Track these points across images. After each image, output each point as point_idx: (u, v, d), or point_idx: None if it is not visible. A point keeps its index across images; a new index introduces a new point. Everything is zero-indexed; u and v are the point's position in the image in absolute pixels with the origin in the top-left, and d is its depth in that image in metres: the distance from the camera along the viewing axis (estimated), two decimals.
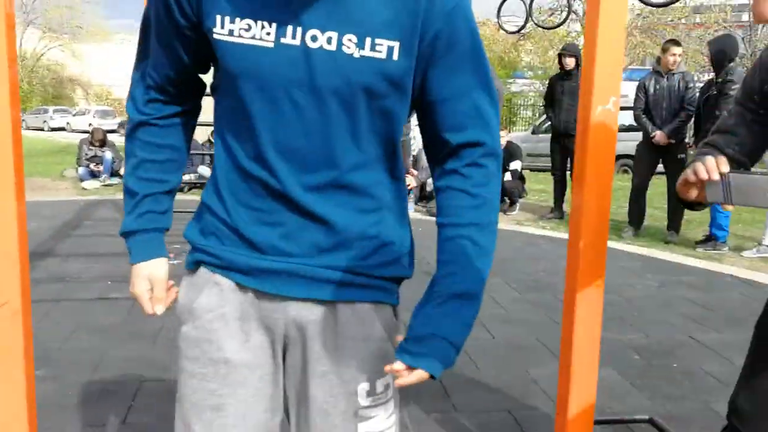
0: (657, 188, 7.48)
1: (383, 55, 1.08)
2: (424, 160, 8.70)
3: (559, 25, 5.44)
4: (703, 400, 3.03)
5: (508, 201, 8.53)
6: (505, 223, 7.75)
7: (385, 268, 1.21)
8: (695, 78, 8.70)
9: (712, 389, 3.15)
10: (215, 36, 1.10)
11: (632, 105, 6.98)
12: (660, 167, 6.95)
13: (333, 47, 1.07)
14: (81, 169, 10.53)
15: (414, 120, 8.96)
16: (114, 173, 10.64)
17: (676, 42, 6.99)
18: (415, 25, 1.08)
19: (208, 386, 1.18)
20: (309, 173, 1.13)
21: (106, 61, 39.41)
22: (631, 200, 7.11)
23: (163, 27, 1.16)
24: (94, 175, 10.62)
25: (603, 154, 2.09)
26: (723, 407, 1.67)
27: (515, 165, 8.49)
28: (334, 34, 1.07)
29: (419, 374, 1.12)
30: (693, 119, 6.72)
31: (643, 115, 6.81)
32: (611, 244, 6.11)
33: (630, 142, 7.60)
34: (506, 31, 4.84)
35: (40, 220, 6.79)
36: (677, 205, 6.78)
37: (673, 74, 6.75)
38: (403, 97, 1.14)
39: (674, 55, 6.72)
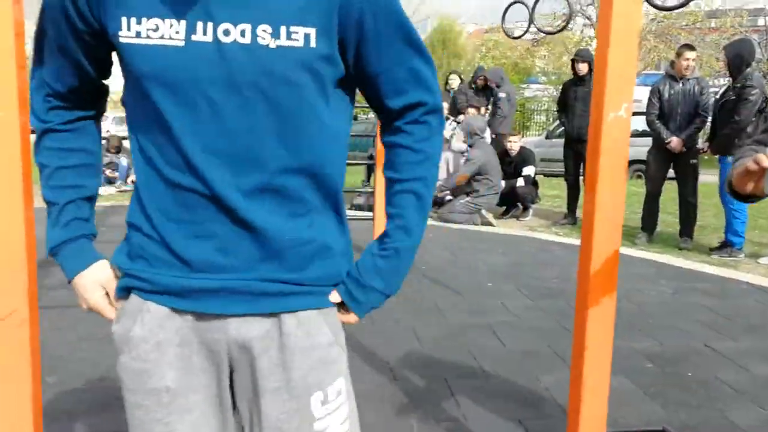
0: (669, 194, 7.40)
1: (300, 43, 1.05)
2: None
3: (560, 30, 5.42)
4: (718, 409, 2.98)
5: (521, 207, 8.48)
6: (518, 228, 7.72)
7: (324, 272, 1.17)
8: (710, 83, 8.62)
9: (728, 398, 3.10)
10: (121, 40, 1.05)
11: (645, 110, 6.92)
12: (671, 172, 6.88)
13: (247, 40, 1.03)
14: None
15: None
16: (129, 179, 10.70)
17: (690, 47, 6.92)
18: (332, 9, 1.05)
19: (154, 416, 1.15)
20: (237, 176, 1.07)
21: None
22: (645, 206, 7.05)
23: (60, 33, 1.10)
24: (109, 181, 10.68)
25: (615, 160, 2.07)
26: (739, 417, 1.63)
27: (528, 170, 8.44)
28: (247, 26, 1.03)
29: (351, 317, 1.22)
30: (711, 123, 6.65)
31: (657, 121, 6.75)
32: (624, 250, 6.08)
33: (643, 148, 7.52)
34: (510, 36, 4.82)
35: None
36: (691, 210, 6.73)
37: (688, 79, 6.68)
38: (325, 87, 1.10)
39: (688, 59, 6.65)
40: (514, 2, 4.91)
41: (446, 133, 9.05)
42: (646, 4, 2.21)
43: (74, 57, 1.13)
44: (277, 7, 1.03)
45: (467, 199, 7.99)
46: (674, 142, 6.60)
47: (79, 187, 1.22)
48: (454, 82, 10.37)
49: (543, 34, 11.71)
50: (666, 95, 6.73)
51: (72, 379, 3.14)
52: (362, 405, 3.15)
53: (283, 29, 1.03)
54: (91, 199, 1.24)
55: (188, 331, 1.14)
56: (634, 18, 2.05)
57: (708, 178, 8.45)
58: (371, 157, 7.97)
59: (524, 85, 24.00)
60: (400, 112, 1.19)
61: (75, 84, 1.17)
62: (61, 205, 1.20)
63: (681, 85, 6.69)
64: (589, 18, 20.98)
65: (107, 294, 1.21)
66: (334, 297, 1.19)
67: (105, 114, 1.33)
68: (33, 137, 1.29)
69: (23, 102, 1.93)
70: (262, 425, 1.15)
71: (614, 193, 2.09)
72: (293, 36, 1.04)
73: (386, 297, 1.22)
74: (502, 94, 9.36)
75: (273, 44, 1.03)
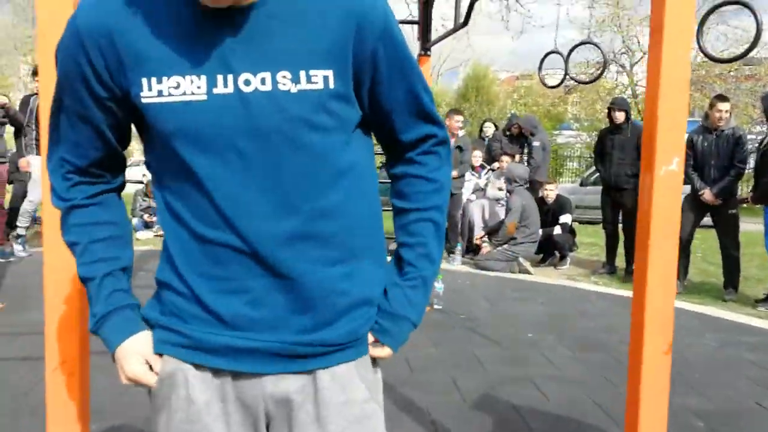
0: (711, 243, 7.28)
1: (320, 86, 1.06)
2: (472, 214, 8.66)
3: (594, 80, 5.45)
4: None
5: (558, 255, 8.40)
6: (557, 277, 7.62)
7: (357, 324, 1.17)
8: (746, 131, 8.50)
9: None
10: (144, 100, 1.06)
11: None
12: (708, 220, 6.77)
13: (268, 87, 1.05)
14: (135, 220, 10.75)
15: (468, 175, 8.97)
16: None
17: (722, 98, 6.80)
18: (347, 51, 1.08)
19: None
20: (271, 225, 1.07)
21: None
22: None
23: (81, 103, 1.10)
24: (147, 225, 10.82)
25: (668, 215, 2.04)
26: None
27: (565, 218, 8.38)
28: (267, 74, 1.05)
29: (386, 351, 1.21)
30: (753, 172, 6.54)
31: (692, 171, 6.65)
32: None
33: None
34: (547, 85, 4.85)
35: None
36: (733, 261, 6.58)
37: (723, 131, 6.58)
38: (346, 127, 1.12)
39: (720, 111, 6.56)
40: (551, 52, 4.97)
41: (481, 182, 9.05)
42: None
43: (96, 126, 1.12)
44: (295, 52, 1.05)
45: (505, 246, 7.94)
46: (707, 194, 6.51)
47: (113, 259, 1.18)
48: (489, 129, 10.42)
49: (575, 82, 11.74)
50: (699, 147, 6.65)
51: (117, 425, 3.14)
52: None
53: (302, 74, 1.06)
54: (127, 269, 1.21)
55: (227, 388, 1.14)
56: (684, 71, 2.04)
57: (751, 227, 8.30)
58: None
59: (557, 132, 23.97)
60: (413, 145, 1.23)
61: (96, 156, 1.16)
62: (98, 278, 1.17)
63: (715, 136, 6.60)
64: (622, 66, 20.99)
65: (149, 365, 1.17)
66: (370, 337, 1.20)
67: (139, 160, 1.34)
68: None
69: None
70: None
71: (668, 248, 2.06)
72: (313, 79, 1.06)
73: (415, 327, 1.24)
74: (536, 143, 9.37)
75: (294, 89, 1.06)
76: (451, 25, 4.82)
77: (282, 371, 1.12)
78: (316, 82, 1.06)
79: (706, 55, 2.39)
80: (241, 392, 1.14)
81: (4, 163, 7.46)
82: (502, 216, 8.38)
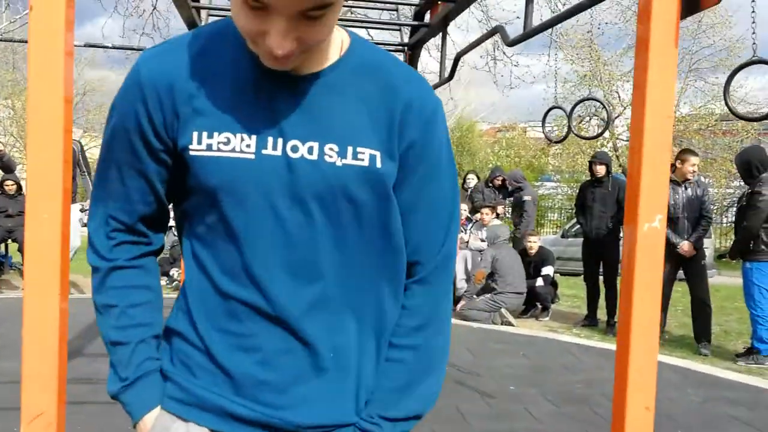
0: (688, 296, 7.32)
1: (366, 163, 1.08)
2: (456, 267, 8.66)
3: (598, 136, 5.53)
4: None
5: (540, 307, 8.40)
6: (539, 329, 7.61)
7: (362, 407, 1.15)
8: (724, 186, 8.66)
9: None
10: (191, 153, 1.06)
11: None
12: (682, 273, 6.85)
13: (314, 156, 1.06)
14: None
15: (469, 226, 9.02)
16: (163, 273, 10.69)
17: (693, 152, 7.11)
18: (393, 133, 1.09)
19: None
20: (295, 288, 1.07)
21: None
22: None
23: (134, 155, 1.10)
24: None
25: (651, 271, 2.06)
26: None
27: (547, 270, 8.42)
28: (315, 144, 1.06)
29: None
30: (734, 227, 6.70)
31: (666, 227, 6.74)
32: None
33: None
34: (551, 140, 4.90)
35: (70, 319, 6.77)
36: (704, 311, 6.62)
37: (690, 183, 6.77)
38: (390, 205, 1.12)
39: (694, 165, 6.79)
40: (553, 108, 5.04)
41: (465, 236, 9.10)
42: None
43: (149, 180, 1.12)
44: (344, 128, 1.07)
45: (488, 296, 7.93)
46: (685, 246, 6.62)
47: (148, 325, 1.17)
48: (472, 181, 10.52)
49: (581, 138, 11.92)
50: (671, 200, 6.77)
51: None
52: None
53: (349, 149, 1.07)
54: (158, 337, 1.19)
55: None
56: (667, 131, 2.08)
57: (730, 280, 8.36)
58: None
59: (538, 183, 24.24)
60: (410, 264, 1.17)
61: (145, 212, 1.16)
62: (133, 344, 1.14)
63: (684, 189, 6.76)
64: (603, 120, 21.34)
65: None
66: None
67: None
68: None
69: (66, 197, 1.96)
70: None
71: (651, 305, 2.06)
72: (359, 156, 1.08)
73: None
74: (527, 197, 9.48)
75: (339, 162, 1.07)
76: (436, 79, 4.89)
77: None
78: (362, 159, 1.07)
79: (735, 114, 2.43)
80: None
81: None
82: (483, 267, 8.41)
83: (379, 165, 1.08)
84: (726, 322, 7.53)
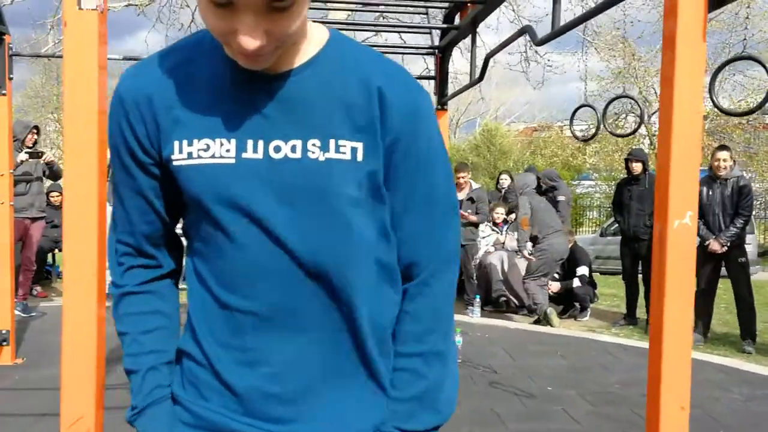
0: (731, 293, 7.18)
1: (348, 156, 1.05)
2: (492, 266, 8.61)
3: (632, 133, 5.44)
4: None
5: (579, 306, 8.32)
6: (577, 329, 7.54)
7: (372, 421, 1.13)
8: (750, 179, 8.44)
9: None
10: (174, 163, 1.06)
11: None
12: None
13: (298, 155, 1.04)
14: None
15: (488, 230, 8.98)
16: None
17: (723, 147, 6.92)
18: (374, 127, 1.07)
19: None
20: (290, 292, 1.05)
21: None
22: (696, 304, 6.82)
23: (127, 173, 1.11)
24: None
25: (682, 269, 2.04)
26: None
27: (582, 270, 8.32)
28: (298, 142, 1.04)
29: None
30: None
31: (699, 220, 6.64)
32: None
33: None
34: (578, 138, 4.84)
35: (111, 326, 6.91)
36: (746, 309, 6.49)
37: (727, 179, 6.64)
38: (379, 199, 1.09)
39: (719, 160, 6.65)
40: (582, 106, 4.99)
41: (502, 237, 9.05)
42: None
43: (145, 196, 1.12)
44: (324, 121, 1.05)
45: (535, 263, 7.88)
46: (713, 244, 6.50)
47: (159, 352, 1.16)
48: (505, 182, 10.42)
49: (614, 136, 11.76)
50: (704, 196, 6.67)
51: None
52: None
53: (332, 142, 1.05)
54: (172, 362, 1.17)
55: None
56: (696, 127, 2.06)
57: None
58: None
59: (576, 182, 23.97)
60: (406, 267, 1.15)
61: (148, 232, 1.15)
62: (143, 372, 1.14)
63: (719, 185, 6.63)
64: (639, 116, 21.03)
65: None
66: None
67: None
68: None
69: (102, 208, 2.03)
70: None
71: (683, 302, 2.05)
72: (341, 149, 1.05)
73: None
74: (561, 198, 9.38)
75: (322, 157, 1.05)
76: (467, 80, 4.89)
77: None
78: (344, 153, 1.05)
79: (720, 109, 2.42)
80: None
81: (42, 218, 7.63)
82: (521, 267, 8.33)
83: (360, 158, 1.06)
84: None
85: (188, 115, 1.06)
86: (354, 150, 1.06)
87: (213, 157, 1.04)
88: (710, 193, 6.67)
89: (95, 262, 1.92)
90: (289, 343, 1.07)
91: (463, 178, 8.48)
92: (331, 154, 1.05)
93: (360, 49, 1.12)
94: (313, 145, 1.05)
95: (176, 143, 1.06)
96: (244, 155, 1.04)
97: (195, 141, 1.05)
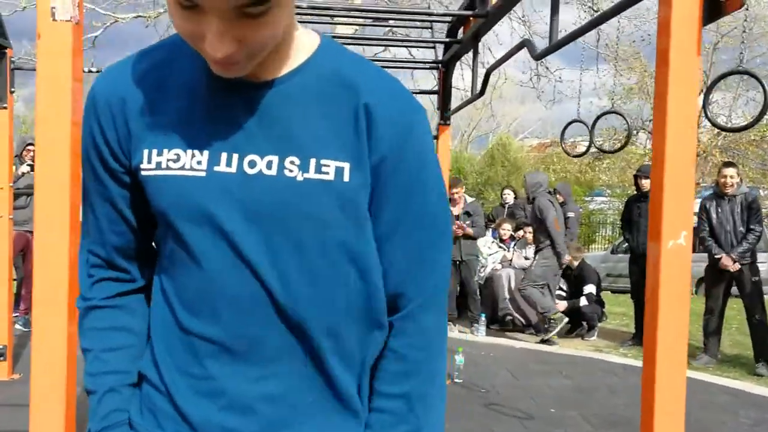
0: (744, 314, 7.04)
1: (331, 177, 0.97)
2: (499, 284, 8.51)
3: (618, 150, 5.38)
4: None
5: (586, 326, 8.20)
6: (584, 349, 7.41)
7: None
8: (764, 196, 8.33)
9: None
10: (143, 173, 0.99)
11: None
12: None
13: (273, 172, 0.96)
14: None
15: (494, 246, 8.89)
16: None
17: (729, 164, 6.90)
18: (361, 144, 0.98)
19: None
20: (254, 319, 0.97)
21: None
22: (704, 324, 6.71)
23: (97, 179, 1.04)
24: None
25: (676, 290, 1.96)
26: None
27: (589, 289, 8.18)
28: (274, 158, 0.96)
29: None
30: None
31: (709, 238, 6.54)
32: (696, 375, 5.74)
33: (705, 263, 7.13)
34: (570, 154, 4.79)
35: None
36: (759, 330, 6.36)
37: (734, 196, 6.54)
38: (361, 226, 1.00)
39: (725, 176, 6.58)
40: (573, 121, 4.98)
41: (509, 254, 8.96)
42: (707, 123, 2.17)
43: (114, 204, 1.05)
44: (306, 138, 0.97)
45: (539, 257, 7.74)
46: (724, 259, 6.39)
47: (122, 373, 1.07)
48: (509, 197, 10.32)
49: (601, 152, 11.63)
50: (713, 213, 6.57)
51: None
52: None
53: (312, 162, 0.97)
54: (135, 385, 1.09)
55: None
56: (690, 143, 1.99)
57: None
58: None
59: (588, 198, 23.84)
60: (391, 298, 1.05)
61: (119, 243, 1.07)
62: (100, 393, 1.06)
63: (727, 202, 6.53)
64: (651, 133, 20.90)
65: None
66: None
67: None
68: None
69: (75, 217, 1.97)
70: None
71: (677, 324, 1.97)
72: (323, 169, 0.97)
73: None
74: (571, 214, 9.28)
75: (300, 177, 0.96)
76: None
77: None
78: (327, 173, 0.97)
79: (714, 124, 2.34)
80: None
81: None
82: (527, 284, 8.20)
83: (346, 178, 0.97)
84: None
85: (160, 122, 0.98)
86: (339, 171, 0.97)
87: (183, 168, 0.97)
88: (719, 210, 6.57)
89: (66, 281, 1.86)
90: (252, 375, 0.98)
91: (457, 193, 8.41)
92: (311, 175, 0.97)
93: (351, 59, 1.04)
94: (291, 162, 0.97)
95: (146, 152, 0.98)
96: (216, 168, 0.96)
97: (165, 151, 0.98)
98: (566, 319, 7.93)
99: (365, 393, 1.05)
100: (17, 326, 6.87)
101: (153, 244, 1.10)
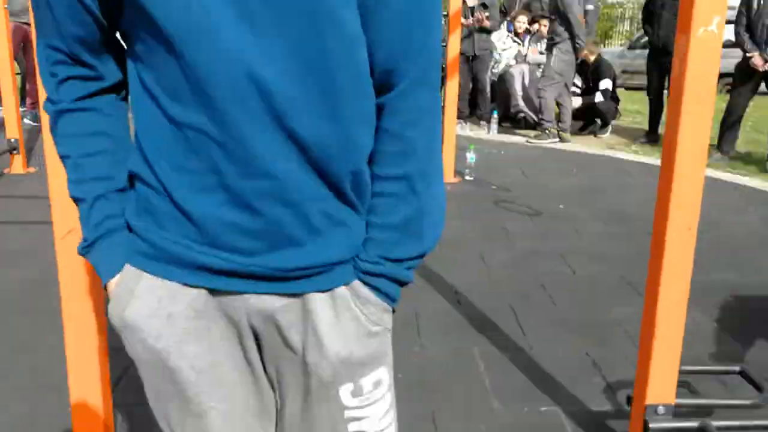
0: (761, 111, 6.90)
1: None
2: (512, 81, 8.30)
3: None
4: None
5: (599, 122, 8.10)
6: (596, 146, 7.38)
7: (348, 247, 1.00)
8: None
9: None
10: None
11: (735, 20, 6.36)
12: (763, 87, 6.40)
13: None
14: None
15: (509, 41, 8.54)
16: None
17: None
18: None
19: (182, 396, 1.02)
20: (241, 113, 0.88)
21: None
22: (723, 121, 6.56)
23: None
24: None
25: (703, 80, 1.84)
26: None
27: (605, 84, 7.97)
28: None
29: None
30: None
31: (745, 33, 6.20)
32: (708, 172, 5.72)
33: (735, 60, 6.87)
34: None
35: None
36: None
37: None
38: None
39: None
40: None
41: (524, 49, 8.65)
42: None
43: None
44: None
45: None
46: (756, 58, 6.09)
47: (106, 179, 1.01)
48: None
49: None
50: (754, 4, 6.15)
51: None
52: (424, 331, 3.08)
53: None
54: (124, 190, 1.03)
55: (202, 301, 0.99)
56: None
57: None
58: None
59: None
60: (381, 78, 0.97)
61: (81, 34, 0.95)
62: (90, 201, 1.01)
63: None
64: None
65: None
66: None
67: None
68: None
69: None
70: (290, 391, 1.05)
71: (700, 118, 1.87)
72: None
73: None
74: (590, 6, 8.81)
75: None
76: None
77: (267, 291, 0.98)
78: None
79: None
80: (221, 305, 1.00)
81: None
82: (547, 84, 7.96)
83: None
84: None
85: None
86: None
87: None
88: (761, 2, 6.15)
89: None
90: (249, 167, 0.91)
91: None
92: None
93: None
94: None
95: None
96: None
97: None
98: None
99: (365, 189, 1.00)
100: (26, 120, 6.86)
101: (117, 34, 0.99)
